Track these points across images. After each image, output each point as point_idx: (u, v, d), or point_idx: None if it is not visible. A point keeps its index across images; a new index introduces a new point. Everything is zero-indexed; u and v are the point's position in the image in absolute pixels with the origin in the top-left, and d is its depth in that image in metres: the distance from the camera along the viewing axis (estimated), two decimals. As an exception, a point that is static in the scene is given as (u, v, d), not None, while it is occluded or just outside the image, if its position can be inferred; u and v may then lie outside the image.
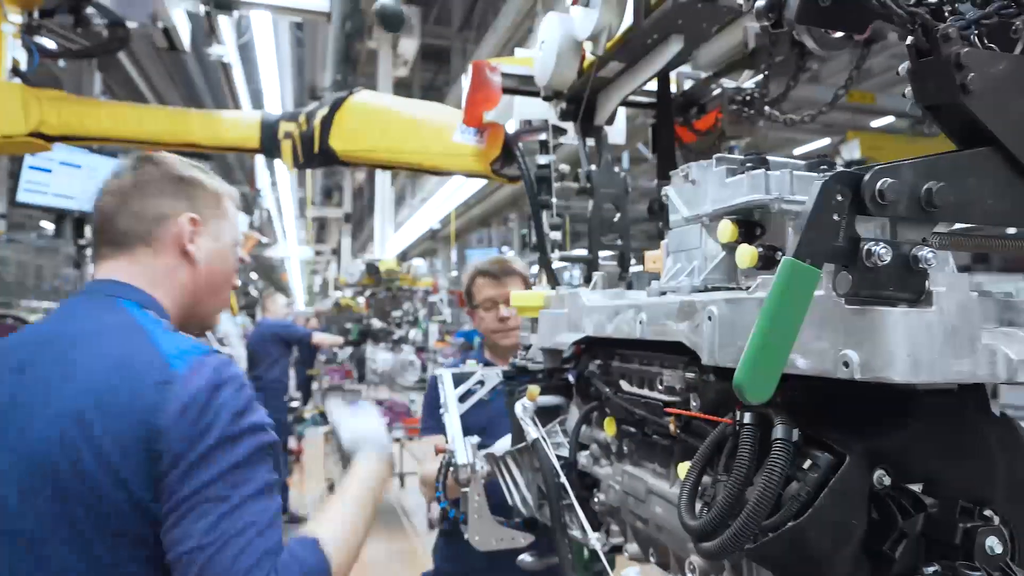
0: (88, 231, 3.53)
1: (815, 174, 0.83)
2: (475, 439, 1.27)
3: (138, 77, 4.06)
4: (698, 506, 0.76)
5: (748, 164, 0.84)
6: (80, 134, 1.91)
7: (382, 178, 6.53)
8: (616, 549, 1.08)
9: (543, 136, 1.52)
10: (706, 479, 0.78)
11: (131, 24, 2.11)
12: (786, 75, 1.25)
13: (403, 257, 6.69)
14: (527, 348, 1.36)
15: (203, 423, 0.96)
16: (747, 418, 0.70)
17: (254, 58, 4.48)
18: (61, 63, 3.35)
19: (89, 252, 3.73)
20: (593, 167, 1.47)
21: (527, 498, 1.18)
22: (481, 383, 1.39)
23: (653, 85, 1.57)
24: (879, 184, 0.55)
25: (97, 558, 0.94)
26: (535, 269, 2.32)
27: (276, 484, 1.02)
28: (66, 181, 3.15)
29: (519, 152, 1.53)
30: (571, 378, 1.23)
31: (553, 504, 1.02)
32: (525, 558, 1.26)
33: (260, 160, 6.67)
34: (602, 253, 1.42)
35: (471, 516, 1.21)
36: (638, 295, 1.06)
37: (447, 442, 1.29)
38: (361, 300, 7.21)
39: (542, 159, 1.51)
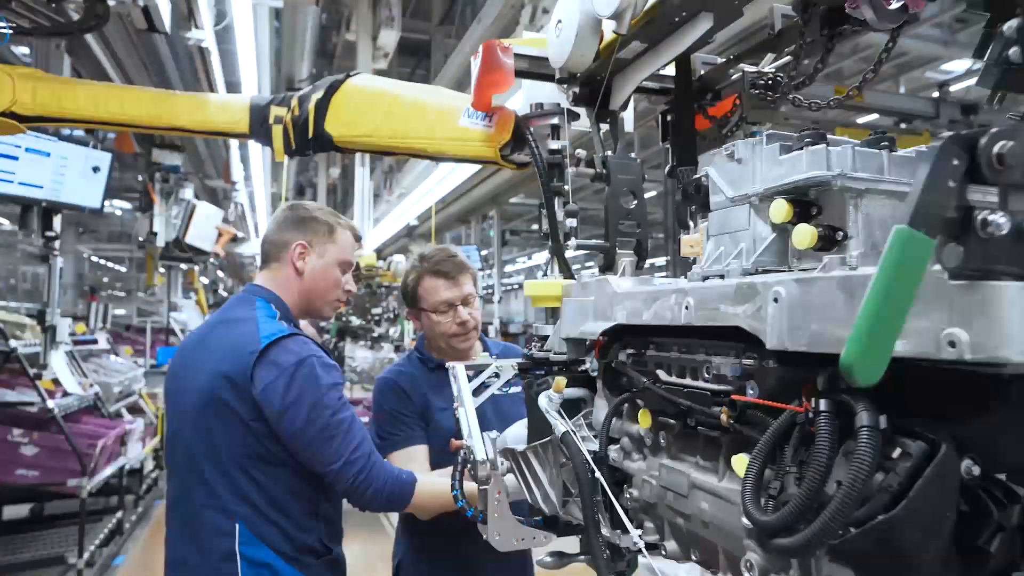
0: (56, 222, 3.38)
1: (876, 150, 0.80)
2: (494, 434, 1.21)
3: (108, 63, 3.89)
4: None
5: (807, 139, 0.80)
6: (57, 115, 1.79)
7: (361, 172, 6.41)
8: (649, 547, 1.03)
9: (555, 120, 1.46)
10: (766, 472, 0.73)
11: (110, 1, 1.99)
12: (811, 57, 1.21)
13: (378, 254, 6.59)
14: (543, 339, 1.30)
15: (294, 391, 1.46)
16: (823, 405, 0.65)
17: (232, 49, 4.34)
18: (25, 48, 3.18)
19: (58, 244, 3.58)
20: (609, 153, 1.42)
21: (550, 495, 1.12)
22: (496, 375, 1.32)
23: (668, 70, 1.53)
24: (997, 147, 0.51)
25: (237, 457, 1.48)
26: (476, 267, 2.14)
27: (354, 417, 1.55)
28: (33, 169, 2.99)
29: (531, 136, 1.46)
30: (591, 370, 1.18)
31: (587, 501, 0.97)
32: (545, 559, 1.20)
33: (235, 153, 6.50)
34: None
35: (491, 515, 1.15)
36: (675, 281, 1.02)
37: (464, 438, 1.22)
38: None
39: (554, 144, 1.45)
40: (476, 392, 1.28)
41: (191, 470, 1.51)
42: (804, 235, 0.78)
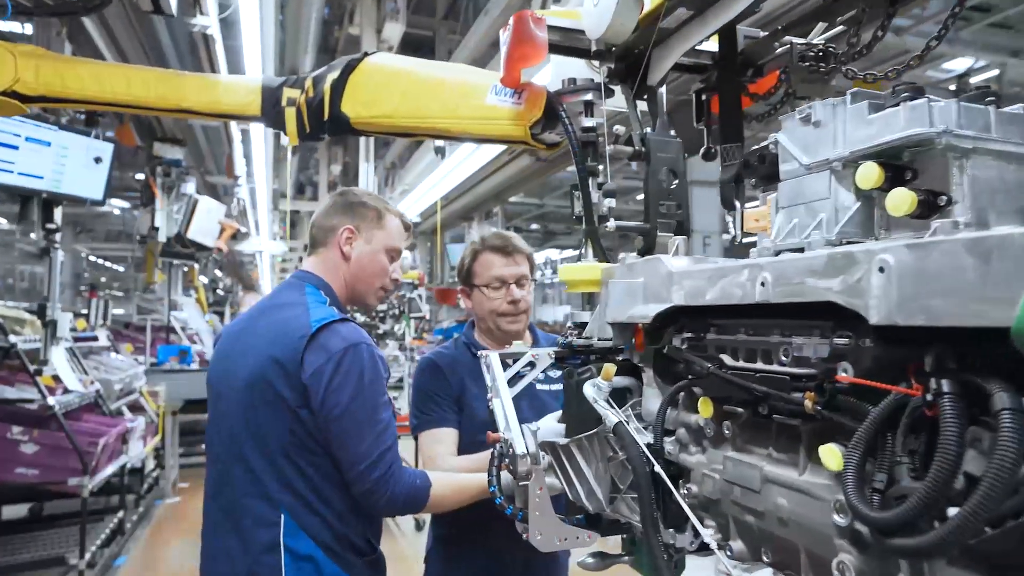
0: (57, 215, 3.29)
1: (982, 106, 0.72)
2: (535, 426, 1.13)
3: (108, 50, 3.80)
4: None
5: (905, 95, 0.72)
6: (61, 95, 1.70)
7: (366, 166, 6.32)
8: (705, 548, 0.95)
9: (589, 96, 1.37)
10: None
11: (116, -22, 1.91)
12: (872, 23, 1.14)
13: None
14: (580, 326, 1.22)
15: (339, 376, 1.43)
16: (947, 385, 0.58)
17: (236, 41, 4.25)
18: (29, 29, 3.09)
19: (58, 237, 3.49)
20: (648, 130, 1.34)
21: (596, 492, 1.04)
22: (532, 365, 1.24)
23: (706, 45, 1.45)
24: None
25: (284, 444, 1.43)
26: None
27: (391, 418, 1.50)
28: (33, 159, 2.90)
29: (564, 113, 1.38)
30: (636, 358, 1.11)
31: (645, 497, 0.89)
32: (587, 560, 1.14)
33: (238, 147, 6.41)
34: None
35: (531, 513, 1.07)
36: (734, 261, 0.94)
37: (501, 430, 1.14)
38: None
39: (588, 122, 1.37)
40: (510, 382, 1.20)
41: (235, 457, 1.47)
42: (902, 200, 0.70)
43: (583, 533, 1.08)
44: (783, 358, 0.79)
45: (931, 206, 0.70)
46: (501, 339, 1.90)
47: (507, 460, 1.11)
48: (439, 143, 6.44)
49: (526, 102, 1.49)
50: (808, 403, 0.72)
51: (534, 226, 19.25)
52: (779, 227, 0.87)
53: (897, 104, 0.72)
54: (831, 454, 0.70)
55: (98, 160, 3.41)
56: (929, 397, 0.59)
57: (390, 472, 1.44)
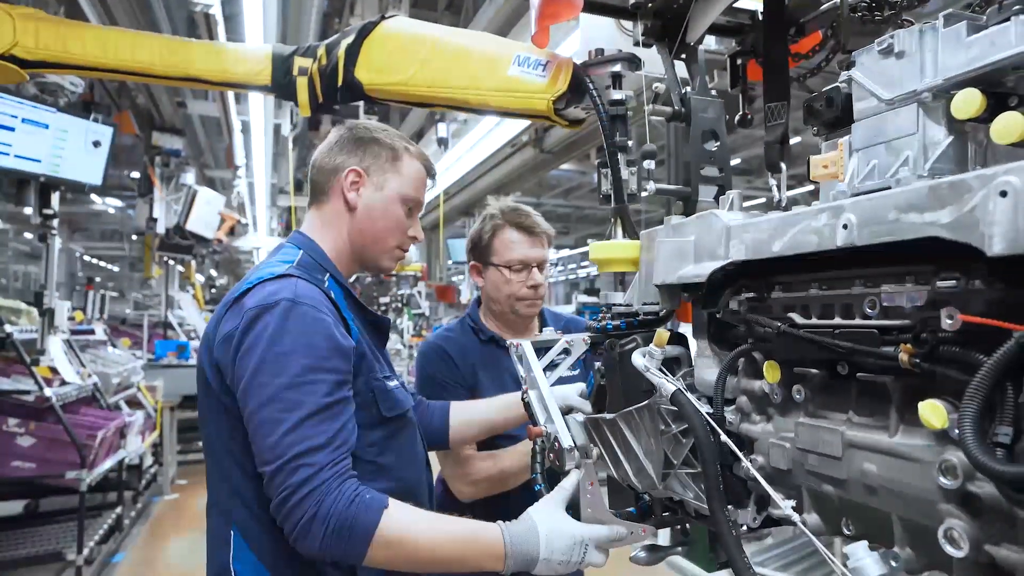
0: (55, 200, 3.20)
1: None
2: (580, 416, 1.06)
3: (100, 23, 3.70)
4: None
5: (1016, 7, 0.65)
6: (62, 60, 1.62)
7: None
8: (774, 523, 0.88)
9: (618, 68, 1.28)
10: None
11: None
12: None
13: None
14: (610, 308, 1.13)
15: (245, 344, 1.08)
16: (1094, 321, 0.50)
17: (237, 32, 4.17)
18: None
19: (56, 223, 3.40)
20: (688, 89, 1.27)
21: (646, 468, 0.97)
22: (567, 352, 1.17)
23: (747, 3, 1.38)
24: None
25: (224, 440, 1.15)
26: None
27: (338, 404, 1.08)
28: (31, 141, 2.81)
29: (592, 85, 1.29)
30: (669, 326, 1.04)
31: (711, 469, 0.81)
32: (639, 554, 1.05)
33: (238, 137, 6.30)
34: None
35: (584, 510, 1.00)
36: (804, 208, 0.86)
37: (542, 423, 1.07)
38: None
39: (616, 94, 1.28)
40: (544, 372, 1.13)
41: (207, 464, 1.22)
42: (1013, 126, 0.62)
43: (637, 527, 1.01)
44: (868, 310, 0.71)
45: (1045, 133, 0.63)
46: (513, 323, 1.78)
47: (552, 455, 1.04)
48: (441, 135, 6.37)
49: (551, 75, 1.41)
50: (904, 356, 0.65)
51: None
52: (854, 171, 0.80)
53: (1006, 19, 0.65)
54: (934, 411, 0.62)
55: (97, 144, 3.32)
56: (1070, 335, 0.52)
57: (311, 483, 1.00)
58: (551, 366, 1.17)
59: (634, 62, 1.28)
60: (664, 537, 1.09)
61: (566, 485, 1.04)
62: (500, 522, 1.03)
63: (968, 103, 0.67)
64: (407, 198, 1.33)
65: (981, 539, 0.59)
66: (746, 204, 0.99)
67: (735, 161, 10.16)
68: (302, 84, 1.73)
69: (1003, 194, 0.55)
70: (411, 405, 1.35)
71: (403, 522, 1.02)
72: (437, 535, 1.04)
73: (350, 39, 1.63)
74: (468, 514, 1.58)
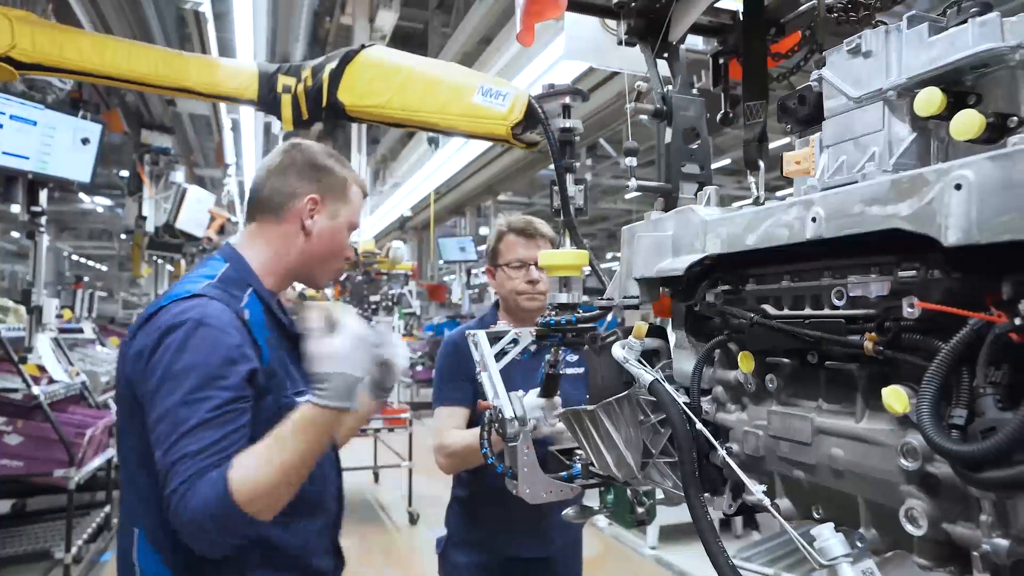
0: (43, 197, 3.19)
1: (1055, 23, 0.67)
2: (520, 393, 1.22)
3: (93, 28, 3.68)
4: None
5: (973, 10, 0.68)
6: (58, 64, 1.63)
7: (358, 158, 6.24)
8: (748, 510, 0.90)
9: (567, 100, 1.41)
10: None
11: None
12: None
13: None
14: (558, 308, 1.28)
15: (152, 362, 1.17)
16: (1041, 306, 0.53)
17: (227, 31, 4.16)
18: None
19: (43, 220, 3.39)
20: (669, 88, 1.30)
21: (626, 458, 0.99)
22: (515, 342, 1.32)
23: (728, 4, 1.41)
24: None
25: (138, 449, 1.20)
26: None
27: (224, 415, 1.14)
28: (19, 138, 2.80)
29: (543, 114, 1.41)
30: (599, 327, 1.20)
31: (686, 456, 0.84)
32: (569, 511, 1.26)
33: (228, 135, 6.29)
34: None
35: (520, 470, 1.14)
36: (776, 202, 0.89)
37: (490, 399, 1.22)
38: (329, 291, 6.90)
39: (566, 123, 1.40)
40: (497, 358, 1.28)
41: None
42: (969, 123, 0.65)
43: (567, 486, 1.17)
44: (836, 301, 0.74)
45: (1000, 129, 0.65)
46: (522, 318, 1.98)
47: (496, 425, 1.20)
48: (432, 134, 6.39)
49: (510, 104, 1.51)
50: (869, 344, 0.68)
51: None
52: (824, 166, 0.82)
53: (964, 21, 0.67)
54: (896, 396, 0.65)
55: (86, 141, 3.31)
56: (1018, 321, 0.54)
57: (184, 486, 1.08)
58: (502, 353, 1.31)
59: (581, 94, 1.43)
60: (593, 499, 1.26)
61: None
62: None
63: (929, 101, 0.69)
64: (353, 225, 1.49)
65: (939, 518, 0.62)
66: (736, 204, 1.02)
67: (726, 161, 10.24)
68: (286, 101, 1.78)
69: (958, 187, 0.58)
70: None
71: (243, 457, 1.12)
72: (274, 442, 1.15)
73: (334, 64, 1.69)
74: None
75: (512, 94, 1.54)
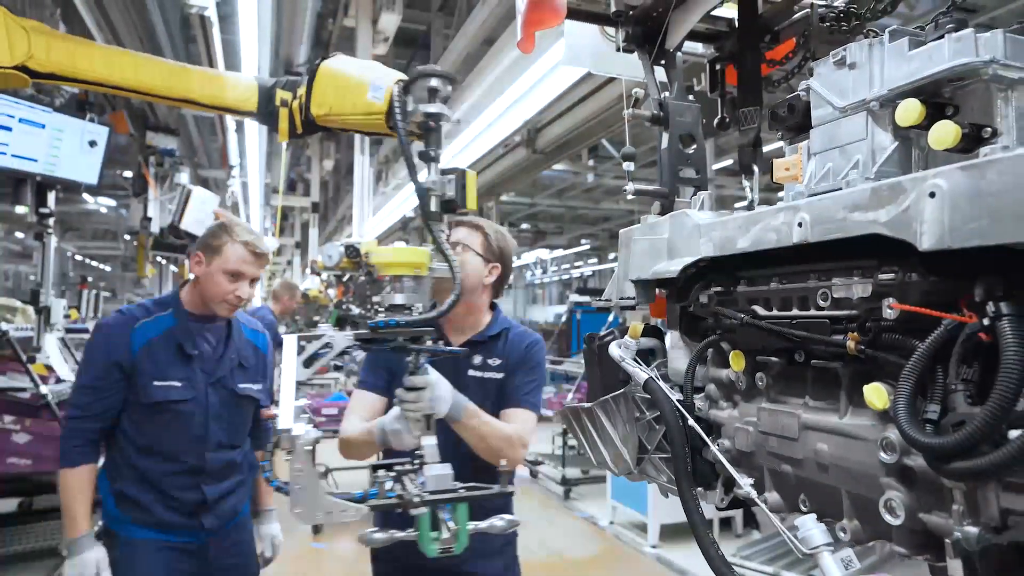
0: (51, 199, 3.23)
1: (1027, 38, 0.71)
2: (303, 401, 1.17)
3: (99, 32, 3.73)
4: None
5: (949, 27, 0.71)
6: (70, 75, 1.69)
7: (361, 159, 6.28)
8: (741, 504, 0.94)
9: (433, 83, 1.39)
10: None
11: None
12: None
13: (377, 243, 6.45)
14: (393, 308, 1.25)
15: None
16: (1006, 307, 0.56)
17: (232, 32, 4.20)
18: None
19: (51, 222, 3.43)
20: (666, 95, 1.33)
21: (623, 454, 1.03)
22: (329, 346, 1.27)
23: (720, 12, 1.44)
24: None
25: None
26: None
27: (92, 389, 1.92)
28: (27, 141, 2.84)
29: (398, 107, 1.42)
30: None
31: (679, 451, 0.87)
32: (372, 535, 1.14)
33: (232, 136, 6.34)
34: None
35: (292, 487, 1.06)
36: (766, 208, 0.93)
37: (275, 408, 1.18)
38: (332, 292, 6.93)
39: (431, 108, 1.38)
40: (308, 363, 1.23)
41: None
42: (946, 133, 0.69)
43: (350, 507, 1.09)
44: (821, 302, 0.78)
45: (975, 139, 0.69)
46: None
47: (277, 436, 1.13)
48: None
49: (384, 97, 1.52)
50: (851, 343, 0.71)
51: (524, 225, 19.26)
52: (811, 173, 0.86)
53: (941, 37, 0.71)
54: (876, 392, 0.69)
55: (93, 144, 3.35)
56: (986, 322, 0.58)
57: (68, 425, 1.95)
58: (315, 356, 1.27)
59: (449, 78, 1.41)
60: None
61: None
62: None
63: (909, 112, 0.73)
64: (228, 271, 1.98)
65: (915, 508, 0.66)
66: (738, 204, 1.05)
67: (728, 162, 10.25)
68: (283, 114, 1.83)
69: (932, 195, 0.61)
70: (186, 398, 1.95)
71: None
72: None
73: (307, 78, 1.75)
74: None
75: (385, 88, 1.55)
